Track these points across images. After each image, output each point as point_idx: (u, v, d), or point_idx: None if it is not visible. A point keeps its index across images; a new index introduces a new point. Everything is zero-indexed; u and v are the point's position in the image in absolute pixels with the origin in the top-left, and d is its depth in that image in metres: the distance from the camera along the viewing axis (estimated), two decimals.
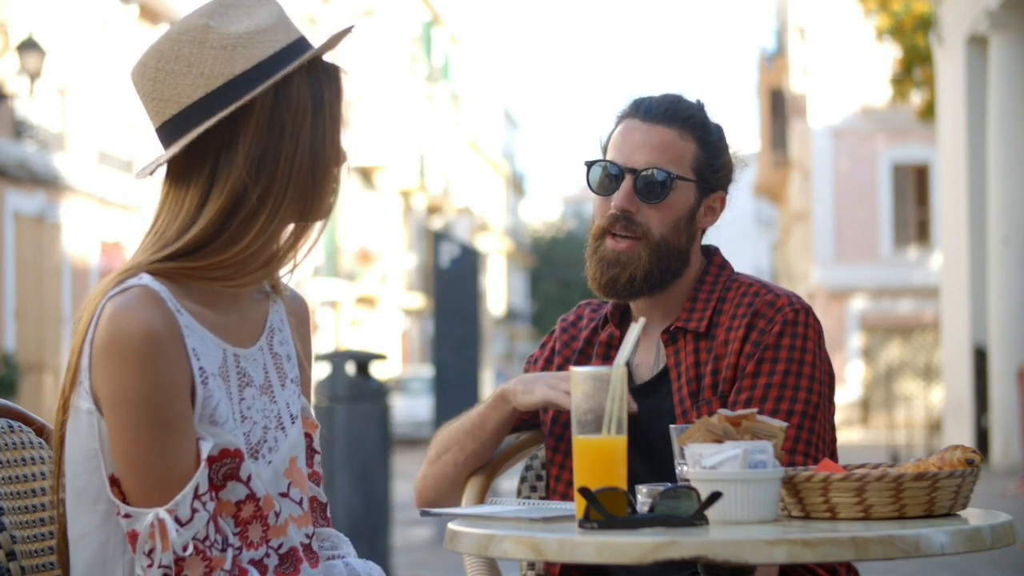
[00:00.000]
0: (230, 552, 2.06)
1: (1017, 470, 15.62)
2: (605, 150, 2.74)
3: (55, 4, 20.80)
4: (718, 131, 2.73)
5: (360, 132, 36.85)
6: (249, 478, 2.11)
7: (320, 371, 8.75)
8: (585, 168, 2.72)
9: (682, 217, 2.67)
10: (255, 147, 2.10)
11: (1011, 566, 8.53)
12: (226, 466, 2.09)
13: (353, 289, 36.97)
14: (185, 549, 2.01)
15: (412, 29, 43.53)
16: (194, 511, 2.02)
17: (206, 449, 2.05)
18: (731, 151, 2.75)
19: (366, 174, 38.50)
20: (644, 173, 2.65)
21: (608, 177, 2.68)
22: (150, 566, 2.02)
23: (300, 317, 2.31)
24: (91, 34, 22.04)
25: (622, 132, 2.70)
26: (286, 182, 2.12)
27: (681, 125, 2.68)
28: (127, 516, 2.04)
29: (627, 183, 2.66)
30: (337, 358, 8.65)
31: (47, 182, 20.67)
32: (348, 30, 2.18)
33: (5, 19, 19.21)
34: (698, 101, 2.74)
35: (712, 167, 2.70)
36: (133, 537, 2.04)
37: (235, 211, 2.10)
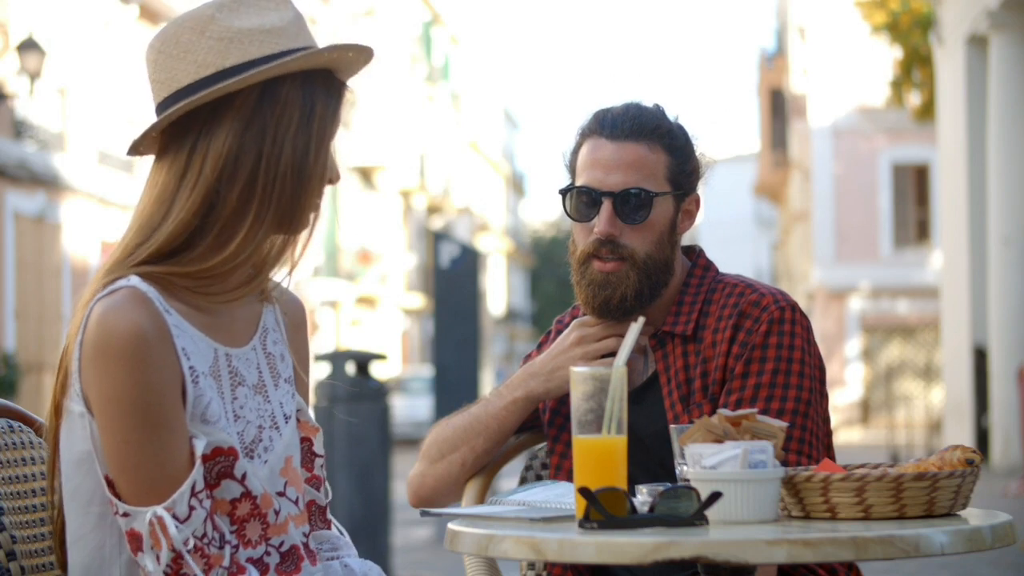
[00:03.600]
0: (227, 549, 2.06)
1: (1017, 470, 15.62)
2: (572, 169, 2.70)
3: (55, 4, 20.79)
4: (683, 133, 2.69)
5: (360, 132, 36.85)
6: (244, 476, 2.11)
7: (320, 371, 8.75)
8: (560, 196, 2.68)
9: (664, 231, 2.65)
10: (233, 140, 2.10)
11: (1011, 566, 8.53)
12: (220, 464, 2.09)
13: (353, 289, 36.97)
14: (186, 544, 2.01)
15: (412, 29, 43.52)
16: (191, 509, 2.03)
17: (200, 447, 2.05)
18: (698, 151, 2.71)
19: (366, 174, 38.49)
20: (622, 195, 2.61)
21: (586, 203, 2.65)
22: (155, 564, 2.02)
23: (297, 320, 2.31)
24: (91, 34, 22.03)
25: (590, 152, 2.65)
26: (269, 187, 2.11)
27: (649, 138, 2.64)
28: (125, 515, 2.04)
29: (607, 207, 2.62)
30: (337, 358, 8.65)
31: (47, 182, 20.67)
32: (348, 47, 2.17)
33: (5, 19, 19.21)
34: (657, 106, 2.70)
35: (684, 172, 2.67)
36: (133, 536, 2.04)
37: (213, 207, 2.10)
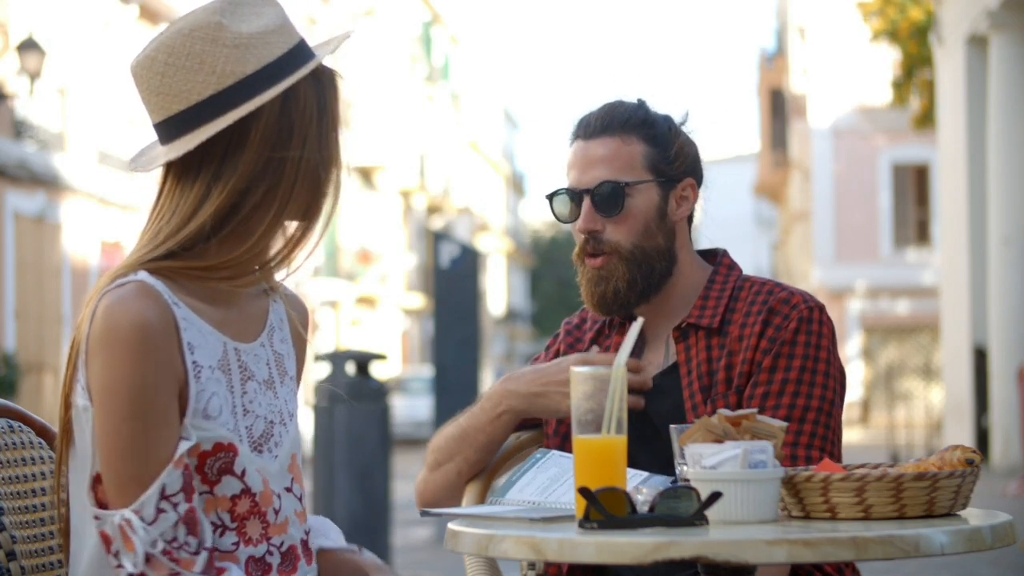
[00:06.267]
0: (203, 555, 2.05)
1: (1017, 470, 15.62)
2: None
3: (55, 4, 20.79)
4: (665, 122, 2.71)
5: (360, 132, 36.84)
6: (243, 472, 2.11)
7: (320, 371, 8.76)
8: (547, 202, 2.73)
9: (650, 219, 2.67)
10: (263, 147, 2.12)
11: (1011, 566, 8.54)
12: (220, 460, 2.10)
13: (353, 289, 36.97)
14: (154, 545, 2.02)
15: (412, 29, 43.53)
16: (160, 511, 2.02)
17: (182, 449, 2.05)
18: (683, 136, 2.72)
19: (366, 174, 38.49)
20: (596, 190, 2.66)
21: (569, 204, 2.70)
22: (119, 567, 2.03)
23: (301, 320, 2.32)
24: (91, 34, 22.04)
25: (571, 156, 2.72)
26: (292, 184, 2.14)
27: (620, 130, 2.67)
28: (96, 518, 2.06)
29: (586, 204, 2.67)
30: (337, 358, 8.65)
31: (47, 182, 20.67)
32: (347, 35, 2.22)
33: (5, 19, 19.21)
34: (638, 100, 2.73)
35: (667, 159, 2.69)
36: (105, 539, 2.05)
37: (236, 209, 2.12)
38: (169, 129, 2.13)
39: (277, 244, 2.18)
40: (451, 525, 2.13)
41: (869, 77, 33.00)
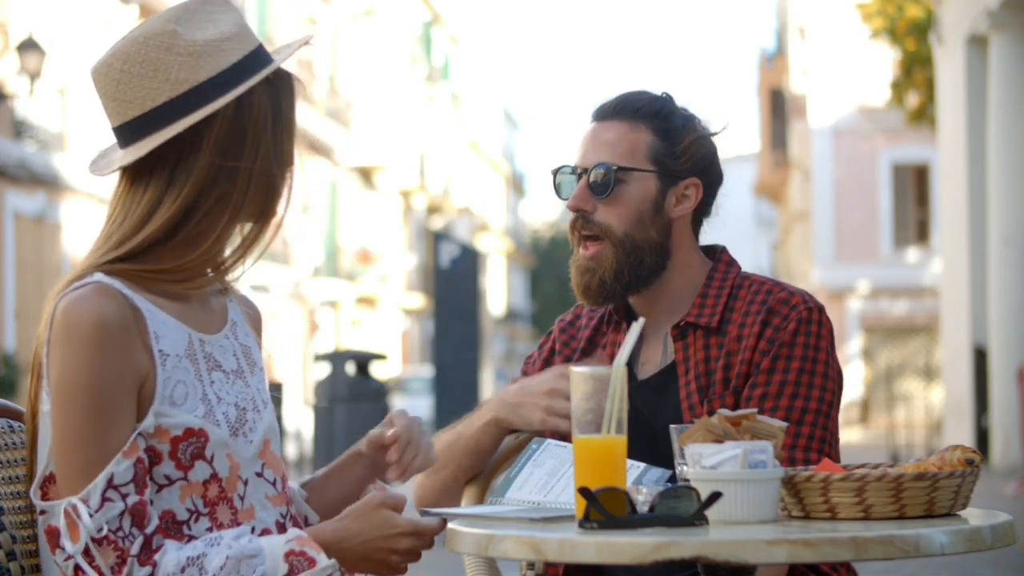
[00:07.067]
0: (140, 538, 2.06)
1: (1017, 470, 15.61)
2: None
3: (55, 4, 20.79)
4: (683, 119, 2.68)
5: (360, 132, 36.84)
6: (212, 458, 2.14)
7: (320, 371, 8.75)
8: (551, 177, 2.73)
9: (644, 210, 2.65)
10: (216, 154, 2.15)
11: (1011, 566, 8.53)
12: (192, 445, 2.13)
13: (353, 289, 36.96)
14: (100, 532, 2.03)
15: (412, 29, 43.52)
16: (105, 500, 2.05)
17: (133, 436, 2.07)
18: (697, 136, 2.68)
19: (366, 174, 38.48)
20: (593, 170, 2.65)
21: (567, 181, 2.70)
22: (68, 559, 2.05)
23: (254, 321, 2.36)
24: (91, 34, 22.04)
25: (582, 135, 2.72)
26: (245, 189, 2.17)
27: (631, 117, 2.66)
28: (43, 513, 2.09)
29: (581, 183, 2.66)
30: (337, 358, 8.66)
31: (47, 182, 20.67)
32: (306, 40, 2.25)
33: (5, 19, 19.21)
34: (664, 93, 2.71)
35: (672, 154, 2.66)
36: (51, 534, 2.08)
37: (190, 214, 2.15)
38: (125, 134, 2.17)
39: (232, 246, 2.21)
40: (451, 525, 2.13)
41: (869, 77, 32.97)
